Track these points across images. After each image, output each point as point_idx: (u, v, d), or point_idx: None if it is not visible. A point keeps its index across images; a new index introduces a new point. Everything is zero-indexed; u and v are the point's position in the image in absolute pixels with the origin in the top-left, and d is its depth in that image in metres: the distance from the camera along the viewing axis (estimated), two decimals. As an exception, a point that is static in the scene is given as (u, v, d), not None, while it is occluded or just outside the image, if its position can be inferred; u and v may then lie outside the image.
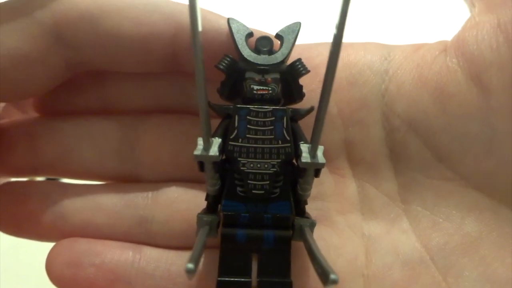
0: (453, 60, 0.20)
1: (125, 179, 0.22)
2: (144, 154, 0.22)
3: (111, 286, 0.20)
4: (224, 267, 0.19)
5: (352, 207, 0.22)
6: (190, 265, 0.14)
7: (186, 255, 0.21)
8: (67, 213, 0.21)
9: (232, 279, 0.19)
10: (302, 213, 0.20)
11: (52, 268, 0.21)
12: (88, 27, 0.18)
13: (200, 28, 0.15)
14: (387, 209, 0.21)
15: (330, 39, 0.15)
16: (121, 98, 0.22)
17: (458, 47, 0.20)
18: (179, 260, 0.21)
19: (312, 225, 0.19)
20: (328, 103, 0.16)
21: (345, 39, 0.22)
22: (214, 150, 0.18)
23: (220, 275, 0.19)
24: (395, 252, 0.20)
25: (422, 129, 0.20)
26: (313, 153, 0.18)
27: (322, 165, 0.18)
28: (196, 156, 0.18)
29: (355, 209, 0.22)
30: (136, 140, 0.22)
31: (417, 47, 0.21)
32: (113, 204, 0.22)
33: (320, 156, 0.18)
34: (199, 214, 0.20)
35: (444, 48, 0.20)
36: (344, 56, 0.21)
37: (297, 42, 0.21)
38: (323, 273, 0.15)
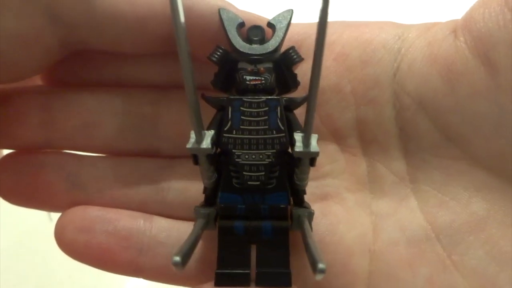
0: (461, 38, 0.19)
1: (144, 155, 0.22)
2: (166, 129, 0.22)
3: (123, 252, 0.20)
4: (223, 259, 0.19)
5: (362, 186, 0.22)
6: (177, 258, 0.14)
7: None
8: (83, 183, 0.21)
9: (230, 271, 0.19)
10: (300, 203, 0.20)
11: (62, 235, 0.21)
12: (83, 6, 0.18)
13: (182, 20, 0.15)
14: (396, 188, 0.21)
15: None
16: (138, 73, 0.22)
17: (466, 26, 0.19)
18: (190, 231, 0.20)
19: (310, 215, 0.19)
20: (317, 92, 0.16)
21: (361, 18, 0.22)
22: (206, 143, 0.18)
23: (218, 267, 0.19)
24: (401, 229, 0.21)
25: (431, 108, 0.20)
26: (306, 142, 0.17)
27: (316, 153, 0.18)
28: (189, 149, 0.18)
29: (365, 188, 0.22)
30: (157, 115, 0.22)
31: (430, 26, 0.21)
32: (130, 174, 0.22)
33: (314, 145, 0.18)
34: (196, 206, 0.20)
35: (454, 27, 0.20)
36: (358, 34, 0.21)
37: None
38: (313, 262, 0.15)
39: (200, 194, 0.20)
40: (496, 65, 0.18)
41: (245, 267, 0.19)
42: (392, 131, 0.21)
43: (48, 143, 0.22)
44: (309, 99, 0.16)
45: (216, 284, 0.19)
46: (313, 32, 0.20)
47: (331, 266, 0.20)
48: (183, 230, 0.21)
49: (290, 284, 0.19)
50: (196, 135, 0.18)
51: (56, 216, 0.22)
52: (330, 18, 0.21)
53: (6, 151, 0.22)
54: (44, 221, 0.27)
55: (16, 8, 0.18)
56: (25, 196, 0.21)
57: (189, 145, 0.18)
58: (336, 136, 0.22)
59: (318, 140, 0.21)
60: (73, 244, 0.20)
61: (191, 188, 0.21)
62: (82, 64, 0.22)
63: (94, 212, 0.21)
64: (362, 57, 0.21)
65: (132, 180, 0.22)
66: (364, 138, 0.22)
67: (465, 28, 0.19)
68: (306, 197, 0.20)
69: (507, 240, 0.19)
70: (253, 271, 0.19)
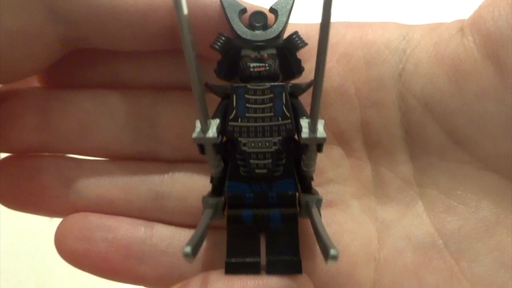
0: (469, 38, 0.19)
1: (142, 157, 0.22)
2: (164, 130, 0.21)
3: (124, 262, 0.20)
4: (232, 249, 0.19)
5: (367, 191, 0.21)
6: (187, 249, 0.14)
7: None
8: (81, 188, 0.21)
9: (240, 260, 0.19)
10: (308, 189, 0.20)
11: (62, 243, 0.20)
12: (84, 2, 0.18)
13: (185, 11, 0.15)
14: (402, 193, 0.21)
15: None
16: (136, 73, 0.22)
17: (474, 24, 0.19)
18: None
19: (318, 201, 0.19)
20: (323, 76, 0.16)
21: (364, 19, 0.21)
22: (212, 132, 0.18)
23: (228, 256, 0.19)
24: (407, 236, 0.20)
25: (438, 109, 0.20)
26: (313, 128, 0.17)
27: (323, 139, 0.17)
28: (195, 138, 0.18)
29: (370, 193, 0.21)
30: (156, 115, 0.21)
31: (435, 26, 0.21)
32: (129, 179, 0.21)
33: (321, 131, 0.17)
34: (204, 196, 0.19)
35: (461, 26, 0.20)
36: (362, 35, 0.21)
37: (300, 19, 0.20)
38: (324, 249, 0.15)
39: (200, 199, 0.20)
40: (505, 65, 0.18)
41: (255, 255, 0.19)
42: (397, 134, 0.21)
43: (44, 146, 0.21)
44: (315, 83, 0.16)
45: (226, 273, 0.18)
46: (313, 34, 0.21)
47: (335, 277, 0.20)
48: (184, 238, 0.21)
49: (300, 271, 0.19)
50: (201, 124, 0.17)
51: (56, 216, 0.21)
52: (332, 19, 0.21)
53: (2, 155, 0.22)
54: (44, 221, 0.27)
55: (16, 5, 0.17)
56: (23, 201, 0.21)
57: (194, 135, 0.17)
58: (340, 139, 0.21)
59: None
60: (73, 253, 0.20)
61: (191, 193, 0.21)
62: (79, 65, 0.21)
63: (94, 220, 0.21)
64: (366, 58, 0.21)
65: (131, 186, 0.21)
66: (369, 142, 0.21)
67: (473, 27, 0.19)
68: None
69: None
70: (263, 259, 0.19)
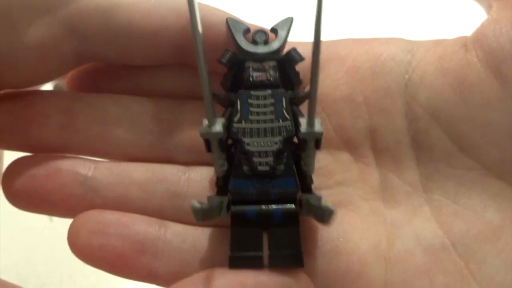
0: (472, 53, 0.20)
1: (158, 162, 0.22)
2: (182, 136, 0.22)
3: (138, 257, 0.20)
4: (236, 243, 0.19)
5: (375, 195, 0.22)
6: (195, 203, 0.15)
7: (211, 232, 0.21)
8: (99, 187, 0.21)
9: (243, 254, 0.19)
10: (308, 189, 0.21)
11: (76, 238, 0.20)
12: (101, 20, 0.20)
13: (200, 30, 0.17)
14: (409, 198, 0.21)
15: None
16: (154, 84, 0.23)
17: (477, 41, 0.20)
18: (204, 237, 0.21)
19: (318, 199, 0.20)
20: (318, 77, 0.17)
21: (368, 35, 0.23)
22: (218, 126, 0.19)
23: (232, 251, 0.19)
24: (417, 238, 0.21)
25: (444, 118, 0.21)
26: (310, 124, 0.19)
27: (320, 134, 0.19)
28: (201, 133, 0.19)
29: (378, 197, 0.22)
30: (174, 121, 0.22)
31: (438, 42, 0.22)
32: (147, 179, 0.22)
33: (318, 126, 0.19)
34: (209, 195, 0.20)
35: (464, 43, 0.21)
36: (368, 48, 0.22)
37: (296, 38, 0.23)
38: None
39: None
40: (507, 77, 0.19)
41: (258, 250, 0.19)
42: (404, 141, 0.22)
43: (66, 146, 0.22)
44: (311, 84, 0.18)
45: (230, 267, 0.19)
46: (308, 52, 0.22)
47: (345, 274, 0.20)
48: (197, 235, 0.21)
49: (302, 265, 0.19)
50: (209, 121, 0.19)
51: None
52: (339, 36, 0.23)
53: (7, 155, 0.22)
54: (44, 221, 0.27)
55: (36, 20, 0.19)
56: (39, 200, 0.21)
57: (201, 129, 0.19)
58: (348, 145, 0.22)
59: (331, 148, 0.22)
60: (88, 247, 0.20)
61: (206, 194, 0.21)
62: (102, 74, 0.23)
63: (109, 216, 0.21)
64: (373, 68, 0.22)
65: (148, 185, 0.22)
66: (376, 148, 0.22)
67: (476, 43, 0.20)
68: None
69: None
70: (265, 254, 0.19)
